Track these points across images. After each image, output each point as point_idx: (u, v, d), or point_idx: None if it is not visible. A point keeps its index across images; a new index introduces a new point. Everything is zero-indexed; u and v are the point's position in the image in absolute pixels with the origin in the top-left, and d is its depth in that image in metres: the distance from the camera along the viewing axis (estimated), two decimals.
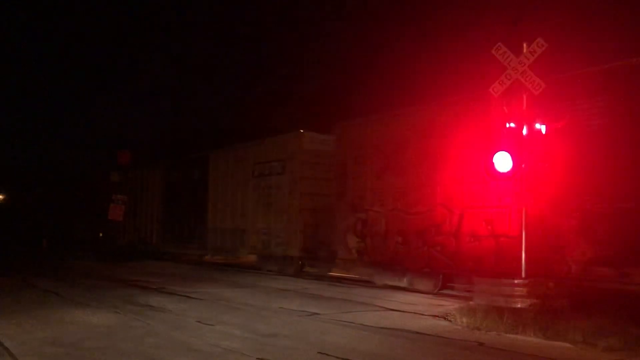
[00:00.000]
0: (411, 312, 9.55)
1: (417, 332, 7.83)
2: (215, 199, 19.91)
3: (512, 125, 9.39)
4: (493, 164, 9.23)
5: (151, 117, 63.20)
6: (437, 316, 9.09)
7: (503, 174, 9.26)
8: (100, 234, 28.23)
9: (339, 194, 14.24)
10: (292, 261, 16.18)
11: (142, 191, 25.31)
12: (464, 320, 8.32)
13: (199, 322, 8.43)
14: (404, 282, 12.45)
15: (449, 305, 10.05)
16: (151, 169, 25.14)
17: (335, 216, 14.24)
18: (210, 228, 19.98)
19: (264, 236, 17.14)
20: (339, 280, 14.75)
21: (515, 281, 9.07)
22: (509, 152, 9.17)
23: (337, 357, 6.31)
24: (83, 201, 30.88)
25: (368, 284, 13.57)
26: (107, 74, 65.38)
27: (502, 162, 9.19)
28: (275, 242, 16.66)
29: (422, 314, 9.35)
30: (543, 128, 9.53)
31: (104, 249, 26.45)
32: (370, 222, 13.17)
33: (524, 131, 9.37)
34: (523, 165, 9.29)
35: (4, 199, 46.07)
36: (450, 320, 8.62)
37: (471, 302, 9.44)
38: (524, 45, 9.28)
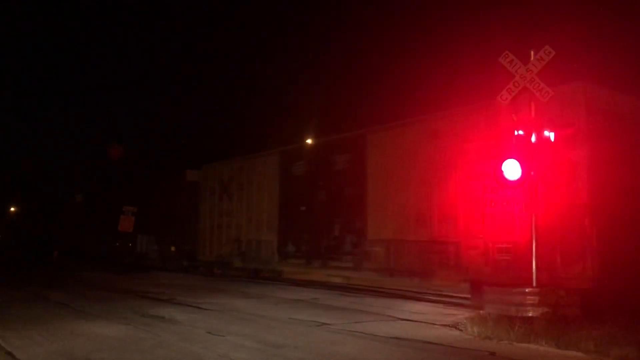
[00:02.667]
0: (422, 322, 9.50)
1: (428, 342, 7.79)
2: (380, 198, 13.60)
3: (521, 132, 9.35)
4: (502, 172, 9.18)
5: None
6: (448, 326, 9.04)
7: (512, 181, 9.22)
8: (173, 248, 22.61)
9: None
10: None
11: (240, 189, 18.76)
12: (475, 329, 8.26)
13: (209, 333, 8.43)
14: None
15: (460, 314, 9.98)
16: (255, 158, 18.57)
17: None
18: (372, 240, 13.73)
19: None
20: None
21: (527, 290, 9.00)
22: (517, 160, 9.12)
23: None
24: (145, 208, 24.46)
25: (377, 293, 13.49)
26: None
27: (511, 170, 9.14)
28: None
29: (433, 324, 9.30)
30: (552, 135, 9.49)
31: (174, 266, 21.80)
32: None
33: (533, 139, 9.33)
34: (532, 173, 9.24)
35: (15, 212, 46.32)
36: (461, 330, 8.57)
37: (482, 312, 9.38)
38: (532, 52, 9.27)
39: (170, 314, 10.30)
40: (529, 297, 8.94)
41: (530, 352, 7.20)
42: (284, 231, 16.67)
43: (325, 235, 15.09)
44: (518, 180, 9.15)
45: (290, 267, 16.68)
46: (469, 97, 13.51)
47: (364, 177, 14.16)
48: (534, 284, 9.03)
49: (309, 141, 17.60)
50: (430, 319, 9.77)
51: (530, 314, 8.68)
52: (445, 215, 11.88)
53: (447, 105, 13.63)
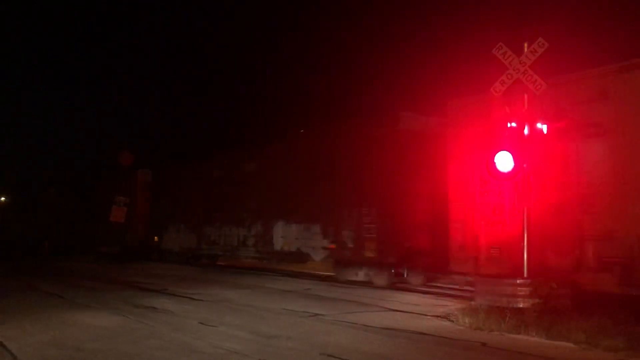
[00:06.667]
0: (414, 313, 9.54)
1: (420, 333, 7.82)
2: None
3: (514, 125, 9.35)
4: (494, 163, 9.18)
5: None
6: (440, 316, 9.08)
7: (504, 173, 9.23)
8: (371, 246, 13.12)
9: None
10: None
11: (596, 134, 9.13)
12: (467, 320, 8.31)
13: (201, 323, 8.43)
14: None
15: (451, 305, 10.03)
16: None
17: None
18: None
19: None
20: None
21: (518, 281, 9.04)
22: (510, 152, 9.13)
23: (340, 358, 6.31)
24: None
25: (370, 284, 13.51)
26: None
27: (504, 161, 9.15)
28: None
29: (425, 315, 9.34)
30: (544, 128, 9.51)
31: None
32: None
33: (526, 131, 9.34)
34: (525, 165, 9.25)
35: (6, 202, 45.98)
36: (452, 321, 8.61)
37: (473, 302, 9.43)
38: (525, 45, 9.26)
39: (163, 305, 10.29)
40: (520, 288, 8.98)
41: (521, 342, 7.24)
42: None
43: None
44: (510, 172, 9.16)
45: None
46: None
47: None
48: (525, 275, 9.07)
49: None
50: (421, 310, 9.81)
51: (521, 305, 8.72)
52: None
53: None
